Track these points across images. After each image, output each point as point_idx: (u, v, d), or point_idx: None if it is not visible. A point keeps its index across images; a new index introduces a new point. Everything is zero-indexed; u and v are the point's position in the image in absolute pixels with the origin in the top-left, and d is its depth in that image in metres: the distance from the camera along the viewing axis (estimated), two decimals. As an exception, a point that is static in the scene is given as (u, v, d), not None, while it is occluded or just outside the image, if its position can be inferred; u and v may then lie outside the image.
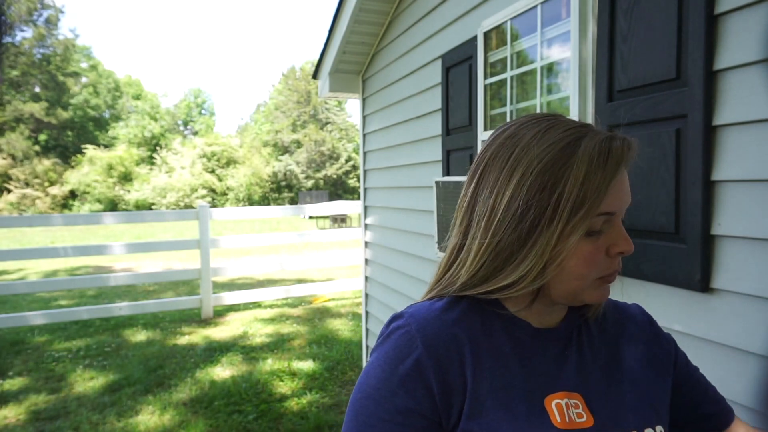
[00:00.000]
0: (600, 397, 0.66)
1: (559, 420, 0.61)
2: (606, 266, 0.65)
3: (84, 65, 38.34)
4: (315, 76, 4.41)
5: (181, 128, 43.56)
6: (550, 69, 1.88)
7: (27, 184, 30.37)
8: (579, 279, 0.64)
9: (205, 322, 5.53)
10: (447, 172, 2.66)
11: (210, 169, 32.75)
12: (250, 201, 32.54)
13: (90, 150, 32.18)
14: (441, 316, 0.66)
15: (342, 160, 34.48)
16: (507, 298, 0.68)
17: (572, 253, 0.62)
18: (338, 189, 34.18)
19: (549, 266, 0.63)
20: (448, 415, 0.61)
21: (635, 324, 0.78)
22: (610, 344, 0.73)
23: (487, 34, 2.23)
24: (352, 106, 46.45)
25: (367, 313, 4.02)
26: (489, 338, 0.66)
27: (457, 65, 2.54)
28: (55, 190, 30.75)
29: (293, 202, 33.15)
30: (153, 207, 29.87)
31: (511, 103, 2.10)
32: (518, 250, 0.63)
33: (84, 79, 37.67)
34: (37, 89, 33.80)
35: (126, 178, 32.42)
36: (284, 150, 36.36)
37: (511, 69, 2.09)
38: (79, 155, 33.18)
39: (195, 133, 42.35)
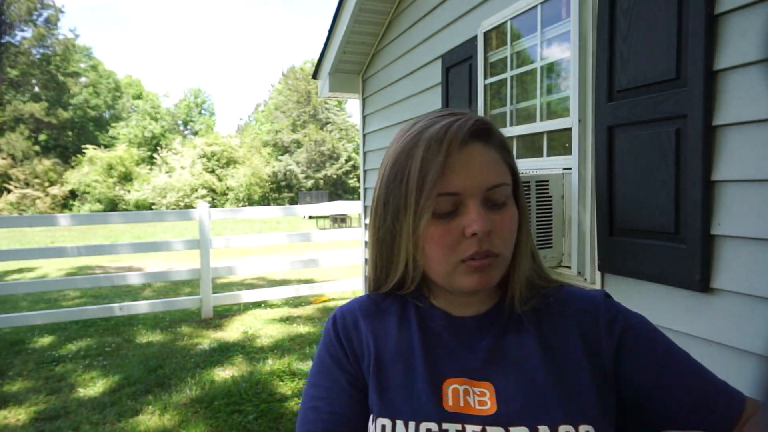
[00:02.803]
0: (512, 389, 0.65)
1: (450, 404, 0.64)
2: (465, 249, 0.64)
3: (84, 65, 38.35)
4: (315, 76, 4.41)
5: (181, 128, 43.57)
6: (550, 69, 1.88)
7: (27, 184, 30.36)
8: (440, 263, 0.66)
9: (205, 322, 5.52)
10: (447, 172, 2.66)
11: (210, 169, 32.72)
12: (250, 201, 32.53)
13: (90, 150, 32.14)
14: (360, 304, 0.76)
15: (342, 160, 34.46)
16: (432, 291, 0.74)
17: (427, 237, 0.65)
18: (338, 189, 34.17)
19: (417, 253, 0.67)
20: (359, 365, 0.71)
21: (581, 315, 0.70)
22: (540, 337, 0.68)
23: (487, 34, 2.23)
24: (352, 106, 46.44)
25: (367, 313, 4.01)
26: (399, 326, 0.72)
27: (457, 65, 2.54)
28: (55, 190, 30.74)
29: (293, 202, 33.13)
30: (153, 207, 29.85)
31: (511, 103, 2.10)
32: (393, 241, 0.69)
33: (84, 79, 37.66)
34: (37, 89, 33.80)
35: (126, 178, 32.39)
36: (284, 150, 36.33)
37: (511, 69, 2.09)
38: (79, 155, 33.16)
39: (195, 133, 42.36)
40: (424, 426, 0.62)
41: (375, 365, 0.70)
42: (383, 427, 0.64)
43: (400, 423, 0.63)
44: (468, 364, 0.67)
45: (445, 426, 0.62)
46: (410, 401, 0.65)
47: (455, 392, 0.65)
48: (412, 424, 0.63)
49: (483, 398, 0.64)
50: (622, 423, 0.66)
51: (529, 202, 1.71)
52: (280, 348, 4.62)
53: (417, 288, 0.74)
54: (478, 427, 0.62)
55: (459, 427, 0.62)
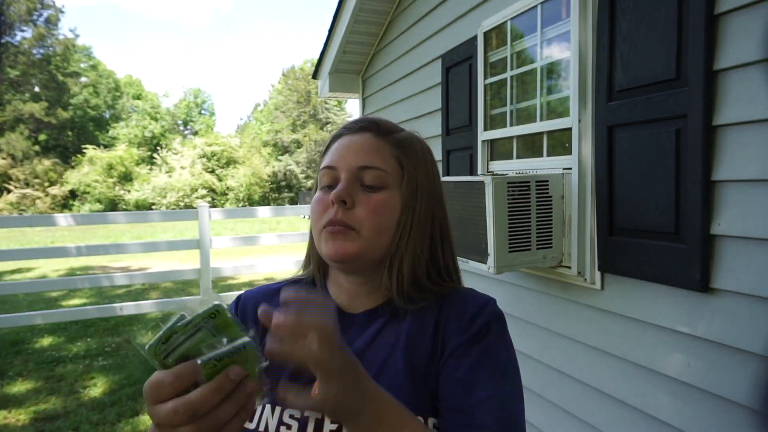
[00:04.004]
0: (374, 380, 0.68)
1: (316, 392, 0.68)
2: (327, 214, 0.71)
3: (84, 65, 38.32)
4: (315, 76, 4.41)
5: (181, 128, 43.55)
6: (550, 69, 1.88)
7: (27, 184, 30.33)
8: (314, 228, 0.74)
9: (205, 322, 5.52)
10: (447, 172, 2.66)
11: (210, 169, 32.69)
12: (250, 201, 32.51)
13: (90, 150, 32.12)
14: (267, 289, 0.83)
15: (342, 160, 34.41)
16: (329, 282, 0.80)
17: (312, 205, 0.75)
18: (338, 189, 34.09)
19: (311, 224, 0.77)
20: None
21: (449, 315, 0.71)
22: (412, 334, 0.71)
23: (487, 34, 2.22)
24: (352, 106, 46.43)
25: (367, 313, 4.01)
26: None
27: (457, 65, 2.54)
28: (55, 190, 30.70)
29: (293, 202, 33.12)
30: (153, 207, 29.83)
31: (511, 103, 2.10)
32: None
33: (84, 79, 37.63)
34: (37, 89, 33.77)
35: (126, 178, 32.36)
36: (284, 150, 36.32)
37: (511, 69, 2.09)
38: (79, 155, 33.13)
39: (195, 133, 42.31)
40: (287, 412, 0.68)
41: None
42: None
43: (267, 408, 0.70)
44: None
45: (307, 413, 0.68)
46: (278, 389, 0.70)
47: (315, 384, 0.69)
48: (278, 410, 0.69)
49: None
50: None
51: (529, 202, 1.71)
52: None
53: (322, 277, 0.81)
54: (322, 417, 0.67)
55: (319, 415, 0.68)
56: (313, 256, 0.81)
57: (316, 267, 0.81)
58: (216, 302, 0.49)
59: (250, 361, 0.49)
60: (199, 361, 0.47)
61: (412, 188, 0.75)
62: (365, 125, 0.77)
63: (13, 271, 9.27)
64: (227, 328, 0.49)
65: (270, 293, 0.82)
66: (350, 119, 0.81)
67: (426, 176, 0.77)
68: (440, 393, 0.67)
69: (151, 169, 33.52)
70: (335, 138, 0.78)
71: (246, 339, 0.48)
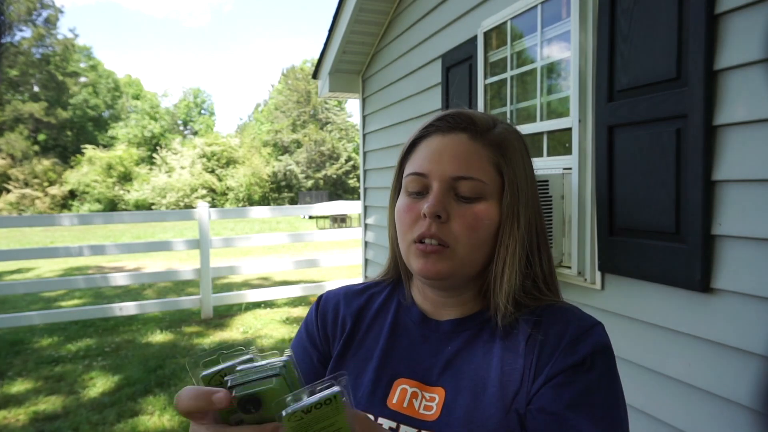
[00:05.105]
0: (461, 398, 0.63)
1: (395, 402, 0.66)
2: (418, 228, 0.66)
3: (83, 65, 38.31)
4: (315, 76, 4.41)
5: (181, 128, 43.53)
6: (550, 69, 1.88)
7: (26, 184, 30.32)
8: (401, 240, 0.69)
9: (206, 323, 5.52)
10: (447, 172, 2.65)
11: (210, 169, 32.68)
12: (250, 201, 32.49)
13: (89, 150, 32.12)
14: (348, 290, 0.81)
15: (342, 160, 34.44)
16: (412, 287, 0.77)
17: (397, 212, 0.70)
18: (338, 189, 34.13)
19: (391, 230, 0.74)
20: (329, 347, 0.77)
21: (546, 338, 0.64)
22: (504, 352, 0.66)
23: (487, 34, 2.22)
24: (352, 106, 46.42)
25: (367, 313, 4.01)
26: (376, 315, 0.76)
27: (458, 65, 2.54)
28: (54, 190, 30.69)
29: (293, 202, 33.10)
30: (153, 207, 29.82)
31: (512, 103, 2.10)
32: (391, 220, 0.75)
33: (83, 79, 37.61)
34: (37, 89, 33.75)
35: (125, 178, 32.36)
36: (284, 150, 36.32)
37: (512, 69, 2.09)
38: (78, 155, 33.13)
39: (195, 133, 42.31)
40: None
41: (341, 349, 0.74)
42: None
43: None
44: (426, 368, 0.68)
45: (380, 420, 0.64)
46: (355, 390, 0.69)
47: (404, 392, 0.66)
48: None
49: (431, 403, 0.64)
50: None
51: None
52: (280, 348, 4.62)
53: (406, 281, 0.78)
54: (414, 430, 0.63)
55: (393, 425, 0.64)
56: (399, 261, 0.76)
57: (402, 272, 0.77)
58: (288, 356, 0.46)
59: (340, 413, 0.43)
60: (283, 413, 0.42)
61: (512, 199, 0.68)
62: (459, 124, 0.69)
63: (13, 271, 9.27)
64: (294, 385, 0.46)
65: (351, 294, 0.80)
66: (440, 113, 0.71)
67: (525, 181, 0.69)
68: (530, 423, 0.60)
69: (150, 169, 33.51)
70: (422, 136, 0.71)
71: (336, 389, 0.43)
